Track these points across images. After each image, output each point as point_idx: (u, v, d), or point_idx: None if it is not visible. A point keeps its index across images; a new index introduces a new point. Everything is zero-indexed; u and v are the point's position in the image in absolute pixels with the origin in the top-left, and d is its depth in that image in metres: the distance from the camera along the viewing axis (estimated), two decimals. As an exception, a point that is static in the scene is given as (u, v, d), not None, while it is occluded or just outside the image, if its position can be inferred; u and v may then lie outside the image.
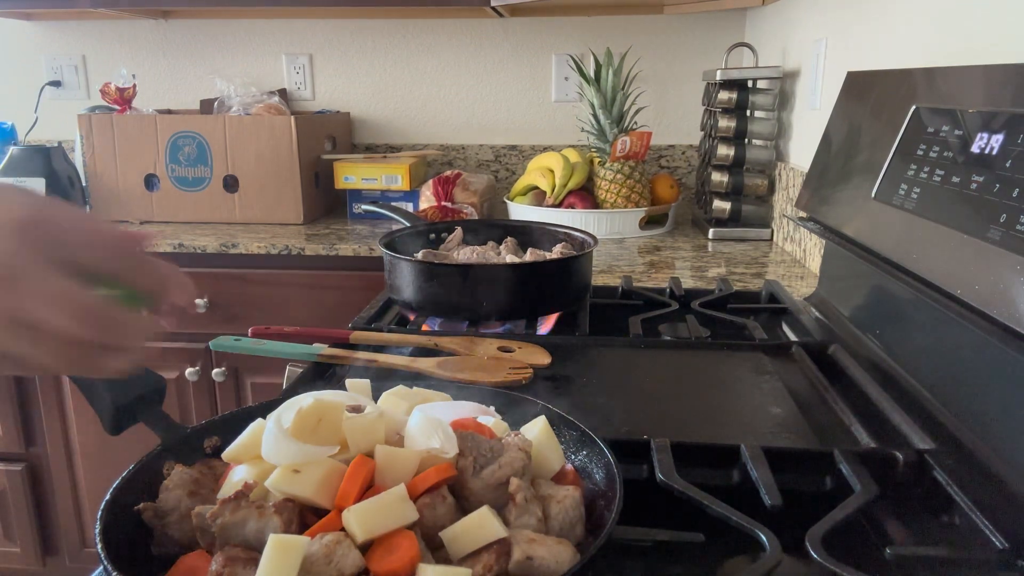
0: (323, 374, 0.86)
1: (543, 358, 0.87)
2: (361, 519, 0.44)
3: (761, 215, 1.75)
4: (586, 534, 0.50)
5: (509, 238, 1.20)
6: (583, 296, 1.09)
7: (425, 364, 0.82)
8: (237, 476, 0.51)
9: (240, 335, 0.87)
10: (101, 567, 0.50)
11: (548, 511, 0.49)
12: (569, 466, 0.55)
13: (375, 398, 0.60)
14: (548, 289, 1.03)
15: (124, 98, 1.92)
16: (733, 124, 1.71)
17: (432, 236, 1.21)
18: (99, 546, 0.44)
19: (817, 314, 1.08)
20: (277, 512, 0.45)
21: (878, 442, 0.65)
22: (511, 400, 0.63)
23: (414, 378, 0.79)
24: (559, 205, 1.83)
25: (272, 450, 0.48)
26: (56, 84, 2.28)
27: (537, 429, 0.55)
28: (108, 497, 0.48)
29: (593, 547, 0.45)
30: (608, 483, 0.52)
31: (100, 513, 0.47)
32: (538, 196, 1.88)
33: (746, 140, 1.74)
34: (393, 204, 1.55)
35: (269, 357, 0.85)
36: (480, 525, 0.45)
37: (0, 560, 1.89)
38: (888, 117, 0.92)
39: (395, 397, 0.60)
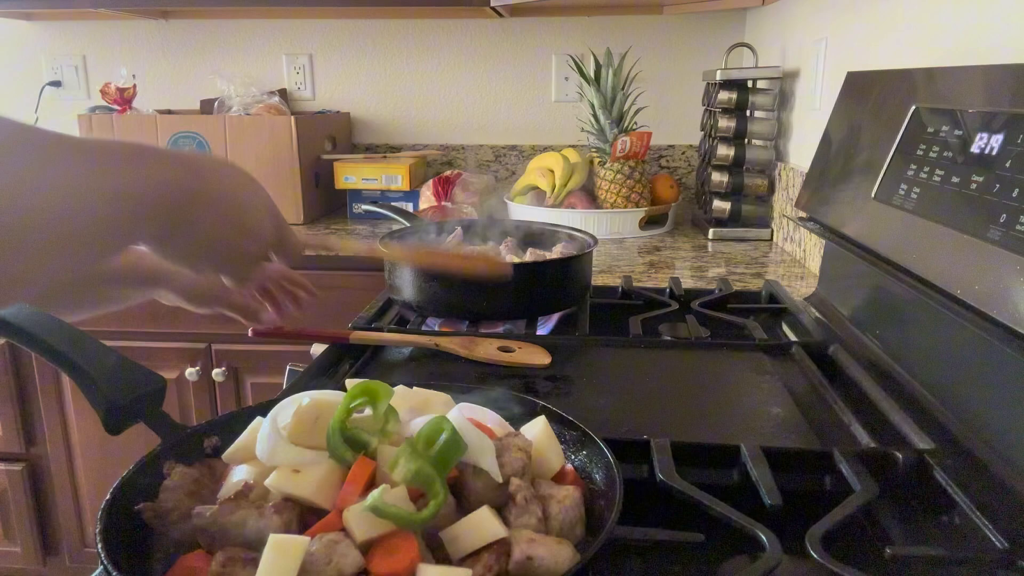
0: (324, 373, 0.86)
1: (543, 358, 0.87)
2: (361, 519, 0.44)
3: (761, 215, 1.75)
4: (586, 534, 0.50)
5: (509, 238, 1.20)
6: (583, 296, 1.09)
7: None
8: (237, 476, 0.51)
9: (246, 340, 0.87)
10: (101, 567, 0.50)
11: (548, 511, 0.49)
12: (569, 466, 0.55)
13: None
14: (548, 289, 1.03)
15: (124, 98, 1.92)
16: (733, 124, 1.71)
17: (432, 236, 1.21)
18: (99, 546, 0.44)
19: (817, 314, 1.08)
20: (277, 512, 0.45)
21: (878, 442, 0.65)
22: (511, 400, 0.63)
23: (415, 379, 0.79)
24: (559, 205, 1.83)
25: (266, 451, 0.48)
26: (56, 84, 2.28)
27: (537, 429, 0.55)
28: (108, 497, 0.48)
29: (593, 547, 0.45)
30: (608, 483, 0.52)
31: (100, 513, 0.47)
32: (538, 196, 1.88)
33: (746, 140, 1.74)
34: (393, 204, 1.55)
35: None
36: (480, 525, 0.45)
37: (0, 560, 1.89)
38: (888, 117, 0.93)
39: (396, 397, 0.60)
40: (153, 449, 0.55)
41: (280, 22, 2.20)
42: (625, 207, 1.79)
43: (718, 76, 1.70)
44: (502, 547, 0.45)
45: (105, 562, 0.43)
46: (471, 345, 0.90)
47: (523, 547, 0.44)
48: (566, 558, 0.45)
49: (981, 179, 0.69)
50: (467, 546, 0.45)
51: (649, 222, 1.84)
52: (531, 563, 0.44)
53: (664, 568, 0.53)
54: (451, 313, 1.02)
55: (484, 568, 0.43)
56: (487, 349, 0.89)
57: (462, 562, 0.45)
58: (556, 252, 1.14)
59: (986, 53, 0.87)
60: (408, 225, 1.25)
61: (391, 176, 1.93)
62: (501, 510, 0.48)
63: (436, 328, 1.03)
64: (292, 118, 1.83)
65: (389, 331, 0.95)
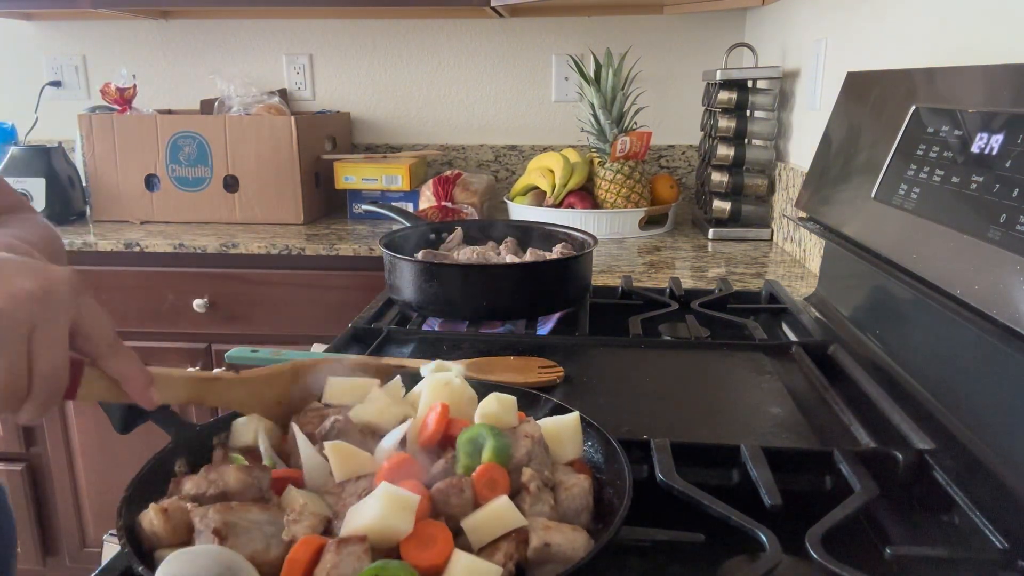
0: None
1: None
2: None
3: (761, 215, 1.75)
4: (592, 523, 0.51)
5: (509, 238, 1.20)
6: (583, 296, 1.09)
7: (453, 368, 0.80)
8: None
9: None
10: (100, 568, 0.50)
11: (556, 497, 0.50)
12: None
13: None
14: (548, 289, 1.03)
15: (124, 98, 1.92)
16: (733, 124, 1.71)
17: (432, 236, 1.21)
18: (122, 541, 0.45)
19: (817, 314, 1.08)
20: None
21: (878, 442, 0.65)
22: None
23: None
24: (559, 205, 1.83)
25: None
26: (56, 84, 2.28)
27: (562, 418, 0.57)
28: (125, 494, 0.49)
29: (608, 533, 0.46)
30: (616, 473, 0.53)
31: (119, 510, 0.47)
32: (538, 196, 1.88)
33: (746, 140, 1.74)
34: (393, 204, 1.55)
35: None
36: (500, 515, 0.46)
37: (0, 560, 1.89)
38: (888, 117, 0.93)
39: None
40: (164, 447, 0.55)
41: (280, 22, 2.20)
42: (625, 207, 1.79)
43: (718, 76, 1.70)
44: (520, 535, 0.46)
45: (133, 557, 0.43)
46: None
47: (540, 534, 0.45)
48: (581, 544, 0.46)
49: (981, 179, 0.69)
50: (488, 535, 0.46)
51: (649, 222, 1.84)
52: (548, 549, 0.45)
53: (664, 568, 0.53)
54: (451, 313, 1.02)
55: (505, 556, 0.45)
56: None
57: (482, 550, 0.46)
58: (556, 252, 1.14)
59: (986, 53, 0.87)
60: (408, 225, 1.25)
61: (391, 176, 1.93)
62: (513, 498, 0.49)
63: (436, 328, 1.03)
64: (292, 118, 1.83)
65: (389, 331, 0.95)
